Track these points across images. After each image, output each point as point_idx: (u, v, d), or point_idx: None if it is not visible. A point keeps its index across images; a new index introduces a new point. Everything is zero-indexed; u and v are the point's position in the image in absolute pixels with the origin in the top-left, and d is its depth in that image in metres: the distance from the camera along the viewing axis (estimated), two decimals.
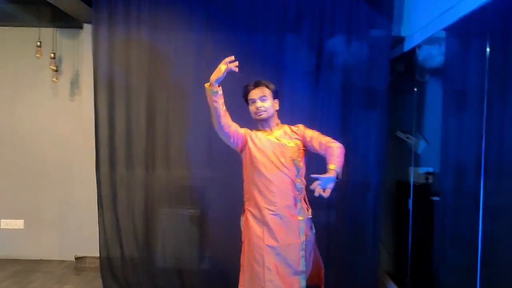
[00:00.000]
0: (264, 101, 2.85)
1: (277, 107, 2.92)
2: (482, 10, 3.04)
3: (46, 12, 4.33)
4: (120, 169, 3.98)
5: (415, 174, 4.69)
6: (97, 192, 3.98)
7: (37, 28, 4.45)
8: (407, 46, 4.09)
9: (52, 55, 4.39)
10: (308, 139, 2.89)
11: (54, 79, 4.47)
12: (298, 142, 2.88)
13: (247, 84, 2.92)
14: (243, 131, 2.88)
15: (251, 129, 2.94)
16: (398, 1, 4.01)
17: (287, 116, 3.32)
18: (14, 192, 4.72)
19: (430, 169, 4.70)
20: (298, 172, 2.83)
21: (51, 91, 4.71)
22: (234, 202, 3.77)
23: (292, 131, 2.95)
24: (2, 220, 4.70)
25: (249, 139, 2.87)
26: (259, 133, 2.91)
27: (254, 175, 2.81)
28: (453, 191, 3.80)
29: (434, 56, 4.32)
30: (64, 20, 4.43)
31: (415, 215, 4.32)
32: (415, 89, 4.45)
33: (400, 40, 4.14)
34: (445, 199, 3.90)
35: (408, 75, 4.61)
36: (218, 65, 3.91)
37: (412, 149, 4.72)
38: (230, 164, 3.89)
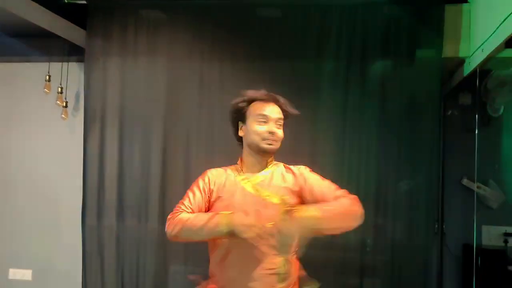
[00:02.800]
0: (279, 127, 2.09)
1: None
2: None
3: (56, 46, 4.02)
4: (109, 221, 3.42)
5: (489, 235, 3.65)
6: (82, 248, 3.47)
7: (47, 63, 4.16)
8: (466, 71, 3.17)
9: (60, 89, 4.04)
10: (307, 189, 2.09)
11: (63, 115, 4.10)
12: (286, 197, 2.02)
13: (254, 90, 2.15)
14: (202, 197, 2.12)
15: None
16: (453, 14, 3.12)
17: (303, 162, 2.46)
18: (24, 240, 4.37)
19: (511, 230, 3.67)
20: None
21: (66, 129, 4.36)
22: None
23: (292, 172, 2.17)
24: (10, 270, 4.35)
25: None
26: (229, 175, 2.14)
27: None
28: None
29: (508, 81, 3.38)
30: (77, 54, 4.11)
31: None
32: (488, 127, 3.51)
33: (459, 63, 3.24)
34: None
35: (473, 107, 3.66)
36: (223, 99, 3.38)
37: (485, 203, 3.71)
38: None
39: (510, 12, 2.39)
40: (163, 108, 3.41)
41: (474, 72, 3.09)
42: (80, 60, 4.31)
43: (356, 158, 3.07)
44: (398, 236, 3.11)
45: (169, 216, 2.07)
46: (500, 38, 2.54)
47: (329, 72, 3.15)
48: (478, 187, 3.74)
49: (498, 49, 2.63)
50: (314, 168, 2.27)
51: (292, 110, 2.15)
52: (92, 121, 3.52)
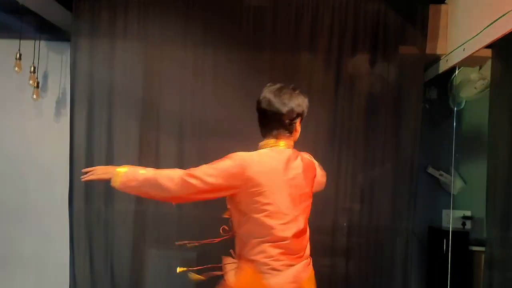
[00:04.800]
0: None
1: None
2: None
3: (29, 22, 3.82)
4: (98, 204, 3.36)
5: (449, 218, 4.00)
6: (69, 232, 3.39)
7: (17, 40, 3.94)
8: (442, 67, 3.44)
9: (32, 68, 3.85)
10: None
11: (34, 96, 3.92)
12: None
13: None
14: None
15: None
16: (434, 13, 3.36)
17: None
18: None
19: (468, 213, 4.03)
20: None
21: (33, 110, 4.18)
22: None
23: None
24: None
25: None
26: None
27: None
28: (500, 241, 3.11)
29: (473, 79, 3.68)
30: (51, 32, 3.93)
31: (450, 267, 3.62)
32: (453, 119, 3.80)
33: (436, 59, 3.50)
34: (489, 249, 3.20)
35: (443, 102, 3.97)
36: (217, 84, 3.43)
37: (447, 189, 4.05)
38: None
39: (495, 19, 2.64)
40: (154, 93, 3.38)
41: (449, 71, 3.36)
42: (50, 39, 4.16)
43: (346, 146, 3.25)
44: (378, 220, 3.34)
45: None
46: (483, 41, 2.80)
47: (321, 63, 3.27)
48: (440, 174, 4.08)
49: (480, 50, 2.90)
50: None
51: None
52: (79, 104, 3.42)
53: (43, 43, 4.11)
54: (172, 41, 3.43)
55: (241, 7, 3.36)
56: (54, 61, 4.18)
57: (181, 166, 3.38)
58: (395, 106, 3.28)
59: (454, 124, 3.60)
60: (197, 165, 3.37)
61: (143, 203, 3.43)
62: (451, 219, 3.69)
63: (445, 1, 3.42)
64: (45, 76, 4.19)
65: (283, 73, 3.29)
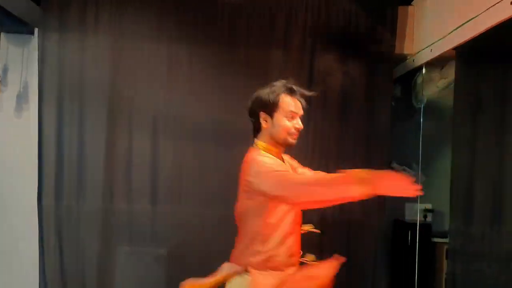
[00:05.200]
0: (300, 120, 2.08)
1: None
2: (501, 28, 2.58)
3: None
4: (68, 201, 3.28)
5: (412, 211, 4.17)
6: (39, 229, 3.30)
7: None
8: (409, 67, 3.58)
9: None
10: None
11: None
12: None
13: (287, 82, 2.07)
14: None
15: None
16: (401, 15, 3.49)
17: None
18: None
19: (429, 206, 4.22)
20: None
21: None
22: (207, 239, 3.32)
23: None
24: None
25: None
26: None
27: None
28: (463, 233, 3.28)
29: (436, 78, 3.85)
30: (11, 24, 3.76)
31: (413, 258, 3.78)
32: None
33: (402, 59, 3.62)
34: (452, 241, 3.37)
35: (406, 99, 4.12)
36: (191, 80, 3.40)
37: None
38: (205, 198, 3.38)
39: (462, 23, 2.78)
40: (127, 89, 3.33)
41: (416, 68, 3.50)
42: (10, 31, 3.98)
43: (319, 141, 3.33)
44: (351, 214, 3.44)
45: None
46: (451, 43, 2.94)
47: (295, 60, 3.33)
48: (404, 169, 4.24)
49: (447, 52, 3.05)
50: None
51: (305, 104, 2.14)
52: (48, 100, 3.32)
53: (2, 35, 3.94)
54: (145, 36, 3.39)
55: (215, 3, 3.35)
56: (14, 54, 4.01)
57: (155, 164, 3.38)
58: (366, 104, 3.39)
59: (421, 120, 3.73)
60: (171, 163, 3.38)
61: (113, 200, 3.38)
62: (418, 212, 3.86)
63: (412, 3, 3.55)
64: (5, 70, 4.02)
65: (257, 69, 3.34)
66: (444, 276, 3.80)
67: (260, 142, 2.07)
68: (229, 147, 3.31)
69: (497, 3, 2.42)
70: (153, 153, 3.33)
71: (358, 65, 3.38)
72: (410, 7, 3.53)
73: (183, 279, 3.41)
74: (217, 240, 3.28)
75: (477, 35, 2.67)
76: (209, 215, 3.39)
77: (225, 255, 3.29)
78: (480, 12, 2.60)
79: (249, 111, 2.12)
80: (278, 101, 2.02)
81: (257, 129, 2.11)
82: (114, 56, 3.37)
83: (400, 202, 4.21)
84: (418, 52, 3.42)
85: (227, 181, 3.28)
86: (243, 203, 2.02)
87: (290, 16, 3.37)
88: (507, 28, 2.49)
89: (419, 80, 3.94)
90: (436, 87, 3.91)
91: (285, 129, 2.04)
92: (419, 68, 3.70)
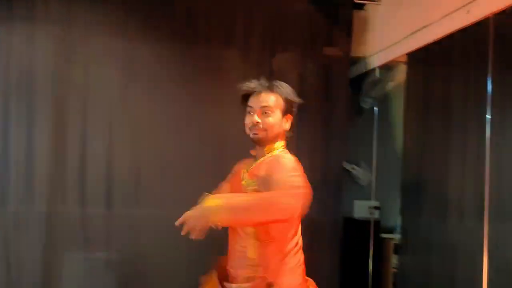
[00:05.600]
0: (266, 115, 2.04)
1: (286, 126, 2.11)
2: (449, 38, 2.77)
3: None
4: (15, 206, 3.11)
5: (359, 208, 4.34)
6: None
7: None
8: (362, 69, 3.73)
9: None
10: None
11: None
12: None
13: (248, 81, 2.10)
14: None
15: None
16: (356, 19, 3.62)
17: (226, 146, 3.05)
18: None
19: (376, 204, 4.40)
20: None
21: None
22: (158, 243, 3.22)
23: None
24: None
25: None
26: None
27: None
28: (412, 228, 3.46)
29: (385, 80, 4.02)
30: None
31: (364, 253, 3.95)
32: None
33: (354, 62, 3.77)
34: (403, 236, 3.55)
35: (355, 100, 4.28)
36: (149, 78, 3.33)
37: (358, 181, 4.39)
38: (159, 200, 3.28)
39: (415, 30, 2.95)
40: (79, 85, 3.19)
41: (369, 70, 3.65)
42: None
43: None
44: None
45: None
46: (404, 48, 3.11)
47: (253, 59, 3.36)
48: (353, 168, 4.39)
49: (400, 56, 3.21)
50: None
51: (292, 97, 2.13)
52: None
53: None
54: (99, 31, 3.25)
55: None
56: None
57: (111, 167, 3.25)
58: (323, 104, 3.47)
59: (375, 121, 3.88)
60: (128, 165, 3.27)
61: (59, 204, 3.22)
62: (369, 209, 4.02)
63: (364, 8, 3.69)
64: None
65: (216, 68, 3.34)
66: (392, 269, 4.01)
67: None
68: (189, 148, 3.28)
69: (454, 11, 2.58)
70: (108, 154, 3.21)
71: (315, 66, 3.45)
72: (363, 12, 3.66)
73: (137, 286, 3.35)
74: (173, 245, 3.27)
75: (432, 41, 2.83)
76: (166, 218, 3.31)
77: (180, 260, 3.26)
78: (436, 20, 2.75)
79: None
80: (246, 98, 2.09)
81: None
82: (65, 51, 3.20)
83: (349, 200, 4.36)
84: (371, 56, 3.56)
85: (187, 183, 3.28)
86: None
87: (249, 15, 3.38)
88: (461, 36, 2.67)
89: (369, 81, 4.10)
90: (385, 89, 4.10)
91: (245, 125, 2.09)
92: (371, 71, 3.86)
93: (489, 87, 2.49)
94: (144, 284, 3.35)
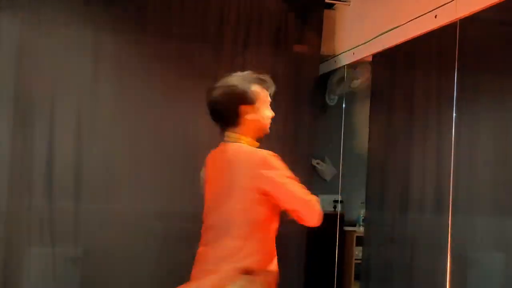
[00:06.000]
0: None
1: None
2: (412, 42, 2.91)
3: None
4: None
5: (323, 202, 4.45)
6: None
7: None
8: (330, 67, 3.84)
9: None
10: None
11: None
12: None
13: (262, 75, 2.15)
14: None
15: None
16: (328, 18, 3.72)
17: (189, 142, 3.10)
18: None
19: (338, 198, 4.54)
20: None
21: None
22: (128, 238, 3.21)
23: None
24: None
25: None
26: None
27: None
28: (377, 221, 3.60)
29: (349, 78, 4.14)
30: None
31: (328, 245, 4.07)
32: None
33: (326, 59, 3.88)
34: (367, 228, 3.69)
35: (320, 97, 4.39)
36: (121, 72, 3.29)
37: (323, 176, 4.52)
38: (129, 194, 3.26)
39: (386, 30, 3.06)
40: (45, 80, 3.12)
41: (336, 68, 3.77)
42: None
43: None
44: None
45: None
46: (373, 48, 3.23)
47: (227, 55, 3.40)
48: (318, 163, 4.51)
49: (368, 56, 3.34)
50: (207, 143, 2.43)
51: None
52: None
53: None
54: (66, 24, 3.17)
55: None
56: None
57: (79, 167, 3.18)
58: (293, 100, 3.54)
59: (343, 117, 4.00)
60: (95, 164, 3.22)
61: (30, 198, 3.14)
62: (339, 203, 4.14)
63: (333, 7, 3.79)
64: None
65: (189, 63, 3.35)
66: (354, 261, 4.17)
67: (243, 137, 2.08)
68: (160, 143, 3.28)
69: (422, 15, 2.70)
70: (77, 149, 3.17)
71: (286, 63, 3.52)
72: (331, 11, 3.76)
73: (102, 282, 3.29)
74: (141, 240, 3.26)
75: (399, 43, 2.96)
76: (135, 214, 3.30)
77: (147, 254, 3.24)
78: (404, 22, 2.88)
79: (221, 105, 2.08)
80: (257, 92, 2.10)
81: (231, 123, 2.09)
82: (31, 43, 3.11)
83: (314, 194, 4.46)
84: (340, 54, 3.67)
85: (160, 179, 3.27)
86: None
87: (223, 11, 3.40)
88: (428, 38, 2.81)
89: (335, 79, 4.22)
90: (349, 86, 4.23)
91: (267, 119, 2.16)
92: (338, 69, 3.97)
93: (455, 85, 2.63)
94: (111, 279, 3.32)
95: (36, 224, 3.15)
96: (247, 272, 1.94)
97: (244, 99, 2.06)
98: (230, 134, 2.09)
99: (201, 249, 2.07)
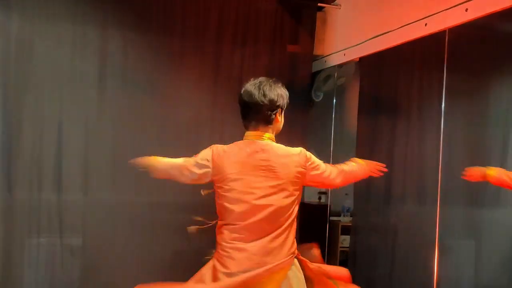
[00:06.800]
0: None
1: None
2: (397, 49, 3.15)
3: None
4: None
5: (309, 194, 4.70)
6: None
7: None
8: (321, 66, 4.06)
9: None
10: None
11: None
12: None
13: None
14: None
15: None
16: (320, 20, 3.94)
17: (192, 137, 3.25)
18: None
19: (323, 189, 4.76)
20: None
21: None
22: (124, 229, 3.32)
23: None
24: None
25: None
26: None
27: None
28: (364, 212, 3.84)
29: (335, 76, 4.36)
30: None
31: (316, 234, 4.29)
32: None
33: (317, 59, 4.09)
34: (355, 218, 3.94)
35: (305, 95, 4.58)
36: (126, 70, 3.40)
37: None
38: (128, 185, 3.34)
39: (376, 35, 3.28)
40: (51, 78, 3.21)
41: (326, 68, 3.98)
42: None
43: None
44: None
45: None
46: (361, 51, 3.46)
47: (227, 53, 3.58)
48: None
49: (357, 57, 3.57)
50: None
51: None
52: None
53: None
54: (72, 21, 3.25)
55: None
56: None
57: (87, 161, 3.27)
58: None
59: (334, 115, 4.21)
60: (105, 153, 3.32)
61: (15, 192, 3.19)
62: (329, 195, 4.36)
63: (323, 10, 3.99)
64: None
65: (191, 60, 3.50)
66: (339, 249, 4.43)
67: (269, 135, 2.28)
68: (165, 137, 3.40)
69: (412, 22, 2.93)
70: (85, 141, 3.28)
71: (281, 61, 3.72)
72: (325, 14, 3.97)
73: (99, 272, 3.34)
74: (139, 231, 3.36)
75: (390, 47, 3.18)
76: (141, 206, 3.41)
77: (144, 247, 3.31)
78: (394, 29, 3.10)
79: (270, 106, 2.24)
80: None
81: (266, 122, 2.25)
82: (13, 34, 3.15)
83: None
84: (330, 54, 3.88)
85: None
86: (293, 195, 2.21)
87: (222, 11, 3.56)
88: (416, 44, 3.05)
89: (322, 77, 4.44)
90: (335, 84, 4.46)
91: (281, 123, 2.38)
92: (328, 68, 4.17)
93: (444, 83, 2.88)
94: (111, 270, 3.40)
95: (44, 215, 3.23)
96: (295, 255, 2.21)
97: (284, 105, 2.33)
98: (260, 133, 2.26)
99: (249, 245, 2.12)
